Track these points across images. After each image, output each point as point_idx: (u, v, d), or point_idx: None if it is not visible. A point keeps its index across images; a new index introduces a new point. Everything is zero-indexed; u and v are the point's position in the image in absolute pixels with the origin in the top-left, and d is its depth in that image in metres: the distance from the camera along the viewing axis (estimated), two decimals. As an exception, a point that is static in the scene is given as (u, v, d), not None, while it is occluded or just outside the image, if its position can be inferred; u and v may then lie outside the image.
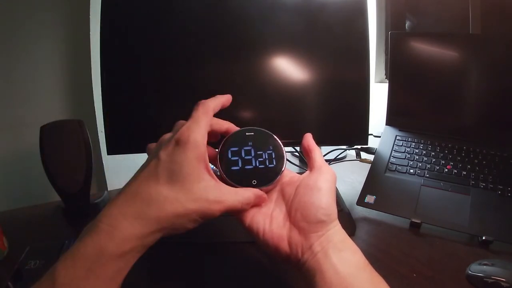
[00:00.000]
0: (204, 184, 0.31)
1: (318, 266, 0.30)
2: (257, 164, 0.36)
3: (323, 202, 0.33)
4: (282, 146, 0.38)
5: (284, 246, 0.32)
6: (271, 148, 0.37)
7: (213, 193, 0.31)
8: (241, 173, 0.35)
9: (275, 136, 0.38)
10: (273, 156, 0.37)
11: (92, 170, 0.58)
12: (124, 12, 0.57)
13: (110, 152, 0.58)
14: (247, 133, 0.38)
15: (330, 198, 0.33)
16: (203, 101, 0.35)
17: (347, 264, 0.30)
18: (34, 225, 0.58)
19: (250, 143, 0.37)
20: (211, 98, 0.37)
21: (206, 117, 0.34)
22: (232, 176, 0.35)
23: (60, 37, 0.75)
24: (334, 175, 0.36)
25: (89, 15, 0.74)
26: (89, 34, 0.75)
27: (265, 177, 0.36)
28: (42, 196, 0.66)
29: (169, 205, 0.29)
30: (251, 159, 0.36)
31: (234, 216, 0.35)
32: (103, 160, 0.77)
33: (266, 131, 0.39)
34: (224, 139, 0.37)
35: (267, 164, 0.36)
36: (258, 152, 0.37)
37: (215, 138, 0.38)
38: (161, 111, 0.58)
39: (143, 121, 0.58)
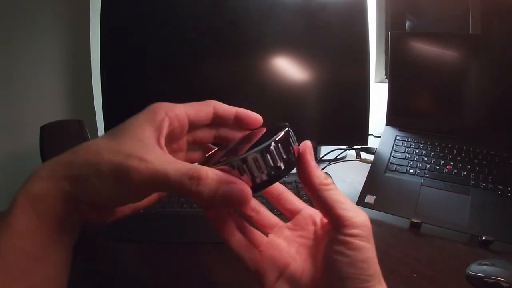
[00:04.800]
0: (138, 144, 0.23)
1: None
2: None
3: (357, 277, 0.23)
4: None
5: None
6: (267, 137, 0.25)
7: (143, 152, 0.22)
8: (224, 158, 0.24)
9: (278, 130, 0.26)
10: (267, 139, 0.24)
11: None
12: (124, 12, 0.57)
13: (110, 152, 0.58)
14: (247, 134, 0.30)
15: (367, 269, 0.23)
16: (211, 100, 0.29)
17: None
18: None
19: (244, 142, 0.28)
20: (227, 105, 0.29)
21: (196, 105, 0.27)
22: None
23: (60, 37, 0.75)
24: (368, 229, 0.24)
25: (89, 15, 0.74)
26: (89, 34, 0.75)
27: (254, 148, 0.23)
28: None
29: (86, 150, 0.23)
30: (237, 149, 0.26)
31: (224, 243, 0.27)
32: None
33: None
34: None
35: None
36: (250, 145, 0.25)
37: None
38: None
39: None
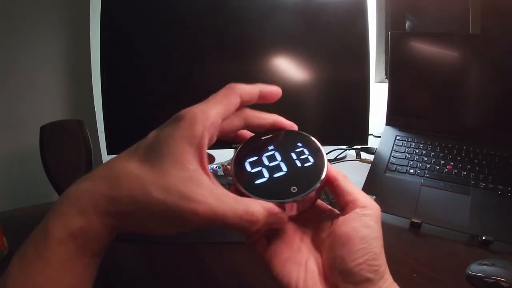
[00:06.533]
0: (186, 175, 0.22)
1: None
2: (290, 168, 0.27)
3: (368, 255, 0.24)
4: (313, 138, 0.30)
5: None
6: (300, 144, 0.29)
7: (195, 189, 0.21)
8: (272, 185, 0.26)
9: (300, 131, 0.31)
10: (307, 153, 0.28)
11: (92, 170, 0.58)
12: (124, 12, 0.57)
13: (110, 152, 0.58)
14: (262, 137, 0.30)
15: (377, 248, 0.25)
16: (232, 83, 0.27)
17: None
18: (34, 225, 0.57)
19: (270, 147, 0.29)
20: (247, 84, 0.28)
21: (224, 100, 0.26)
22: (259, 191, 0.26)
23: (60, 37, 0.75)
24: (379, 212, 0.27)
25: (89, 15, 0.74)
26: (89, 34, 0.75)
27: (307, 180, 0.26)
28: (42, 196, 0.65)
29: (127, 183, 0.22)
30: (278, 164, 0.27)
31: (251, 248, 0.28)
32: (103, 160, 0.77)
33: (286, 129, 0.31)
34: (235, 153, 0.29)
35: (303, 164, 0.27)
36: (285, 154, 0.28)
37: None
38: (161, 111, 0.58)
39: (143, 121, 0.58)
